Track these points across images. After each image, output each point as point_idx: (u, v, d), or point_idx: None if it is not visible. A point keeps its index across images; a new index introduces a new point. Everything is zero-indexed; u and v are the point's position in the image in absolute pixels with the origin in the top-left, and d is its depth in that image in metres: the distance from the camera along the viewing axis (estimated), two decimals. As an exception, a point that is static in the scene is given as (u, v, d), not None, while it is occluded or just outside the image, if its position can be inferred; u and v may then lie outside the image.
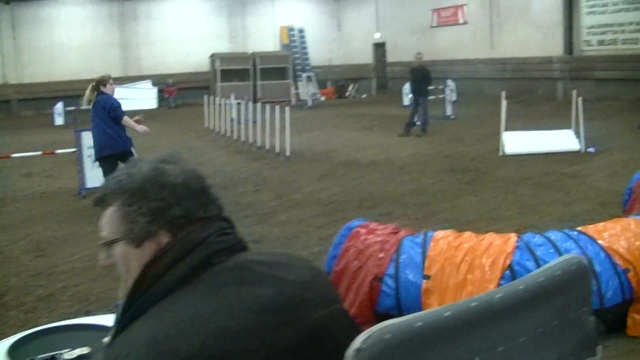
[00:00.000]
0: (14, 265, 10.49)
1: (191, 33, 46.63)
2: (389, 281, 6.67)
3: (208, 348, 1.92)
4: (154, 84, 43.44)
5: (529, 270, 6.52)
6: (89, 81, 13.98)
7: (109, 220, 2.24)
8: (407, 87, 30.96)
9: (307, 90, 42.68)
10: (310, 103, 39.77)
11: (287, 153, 19.26)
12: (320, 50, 50.11)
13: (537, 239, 7.09)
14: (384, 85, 48.36)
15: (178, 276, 2.10)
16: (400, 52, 43.86)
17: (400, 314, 6.54)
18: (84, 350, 3.57)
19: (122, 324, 2.12)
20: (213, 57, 45.68)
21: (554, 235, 7.23)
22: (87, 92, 13.64)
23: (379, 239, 6.93)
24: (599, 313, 6.64)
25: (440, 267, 6.64)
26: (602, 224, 7.63)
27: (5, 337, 3.90)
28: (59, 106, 34.11)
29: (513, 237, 7.01)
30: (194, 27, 46.88)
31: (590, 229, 7.41)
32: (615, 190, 12.78)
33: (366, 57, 49.80)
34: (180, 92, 43.53)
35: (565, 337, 2.04)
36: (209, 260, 2.14)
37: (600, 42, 32.98)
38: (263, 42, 48.71)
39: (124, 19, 46.02)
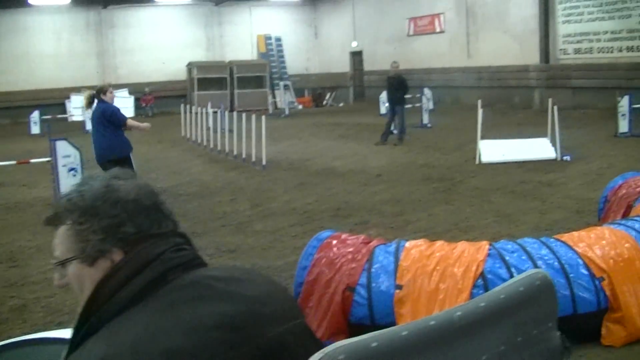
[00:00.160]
0: (-14, 276, 10.39)
1: (168, 41, 46.56)
2: (362, 291, 6.63)
3: None
4: (130, 93, 43.25)
5: (501, 278, 6.53)
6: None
7: (61, 240, 2.19)
8: (384, 95, 30.97)
9: (284, 98, 42.68)
10: (287, 112, 39.75)
11: (264, 162, 19.20)
12: (298, 58, 50.13)
13: (510, 246, 7.09)
14: (361, 93, 48.42)
15: (132, 293, 2.05)
16: (378, 61, 43.90)
17: (373, 324, 6.53)
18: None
19: (75, 342, 2.08)
20: (190, 66, 45.68)
21: (527, 242, 7.23)
22: (86, 98, 14.13)
23: (351, 249, 6.89)
24: (573, 319, 6.65)
25: (412, 276, 6.60)
26: (577, 232, 7.65)
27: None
28: (35, 115, 33.94)
29: (485, 245, 6.99)
30: (171, 35, 46.81)
31: (566, 237, 7.41)
32: (591, 199, 12.81)
33: (343, 65, 49.85)
34: (157, 101, 43.43)
35: (530, 353, 1.99)
36: (164, 277, 2.09)
37: (577, 51, 33.17)
38: (240, 51, 48.70)
39: (101, 28, 45.89)
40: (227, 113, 24.19)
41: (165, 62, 46.36)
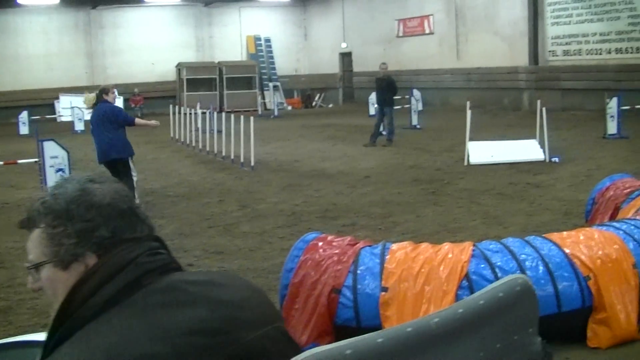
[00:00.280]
0: (-28, 277, 10.34)
1: (158, 42, 46.53)
2: (347, 293, 6.61)
3: None
4: (119, 94, 43.07)
5: (486, 279, 6.53)
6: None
7: (35, 243, 2.16)
8: (373, 97, 30.95)
9: (273, 99, 42.66)
10: (276, 113, 39.73)
11: (252, 163, 19.17)
12: (287, 59, 50.14)
13: (494, 246, 7.09)
14: (351, 95, 48.45)
15: (106, 297, 2.02)
16: (367, 62, 43.88)
17: (359, 326, 6.52)
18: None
19: (49, 347, 2.05)
20: (179, 67, 45.63)
21: (511, 241, 7.23)
22: (89, 98, 14.57)
23: (337, 250, 6.87)
24: (557, 317, 6.65)
25: (397, 278, 6.59)
26: (565, 232, 7.66)
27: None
28: (24, 115, 33.82)
29: (469, 246, 6.99)
30: (161, 36, 46.77)
31: (554, 236, 7.42)
32: (579, 200, 12.81)
33: (333, 66, 49.86)
34: (146, 102, 43.31)
35: (510, 360, 1.97)
36: (139, 281, 2.06)
37: (565, 53, 33.24)
38: (230, 52, 48.70)
39: (90, 28, 45.83)
40: (216, 114, 24.14)
41: (155, 62, 46.35)
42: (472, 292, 6.42)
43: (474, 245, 7.10)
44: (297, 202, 14.77)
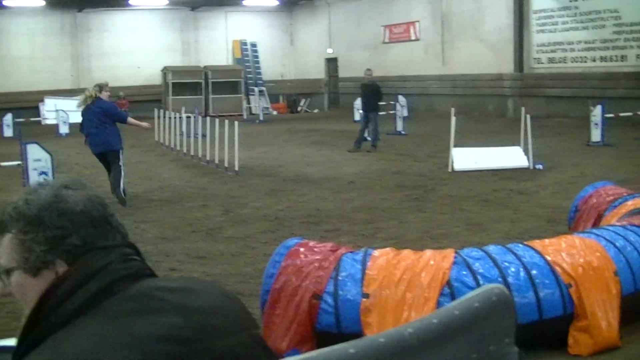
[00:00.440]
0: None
1: (143, 46, 46.44)
2: (328, 299, 6.59)
3: None
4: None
5: (467, 286, 6.53)
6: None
7: (5, 248, 2.13)
8: (358, 102, 30.98)
9: (259, 104, 42.63)
10: (262, 117, 39.69)
11: (236, 168, 19.14)
12: (273, 64, 50.12)
13: (476, 253, 7.08)
14: (336, 100, 48.46)
15: (77, 304, 2.00)
16: (353, 68, 43.83)
17: (340, 332, 6.50)
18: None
19: (19, 354, 2.03)
20: (165, 70, 45.55)
21: (493, 249, 7.23)
22: (85, 96, 15.32)
23: (318, 256, 6.85)
24: (539, 324, 6.65)
25: (378, 285, 6.58)
26: (547, 240, 7.66)
27: None
28: (8, 118, 33.68)
29: (451, 253, 6.98)
30: (147, 39, 46.69)
31: (536, 244, 7.43)
32: (563, 208, 12.81)
33: (318, 72, 49.88)
34: (132, 105, 43.09)
35: (486, 370, 1.95)
36: (111, 288, 2.04)
37: (550, 60, 33.34)
38: (215, 56, 48.65)
39: (76, 31, 45.70)
40: (201, 118, 24.09)
41: (141, 66, 46.25)
42: (453, 299, 6.41)
43: (456, 252, 7.09)
44: (281, 207, 14.74)
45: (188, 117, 25.29)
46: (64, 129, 32.57)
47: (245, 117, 40.04)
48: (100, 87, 15.44)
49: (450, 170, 18.61)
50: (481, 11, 36.26)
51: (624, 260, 7.32)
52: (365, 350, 1.65)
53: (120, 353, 1.87)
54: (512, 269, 6.85)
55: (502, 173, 17.88)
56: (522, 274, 6.81)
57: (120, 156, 15.40)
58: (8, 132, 32.84)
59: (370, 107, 24.56)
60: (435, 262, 6.79)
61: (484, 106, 35.71)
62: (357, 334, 6.24)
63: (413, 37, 41.39)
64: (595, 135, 22.92)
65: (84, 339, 1.91)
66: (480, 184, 16.73)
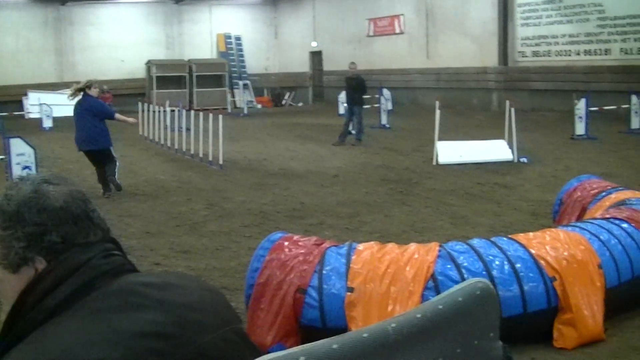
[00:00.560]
0: None
1: (127, 39, 46.24)
2: (313, 293, 6.59)
3: None
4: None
5: (452, 279, 6.54)
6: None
7: None
8: (342, 96, 30.94)
9: (243, 98, 42.56)
10: (246, 111, 39.61)
11: (221, 162, 19.09)
12: (257, 58, 50.04)
13: (460, 246, 7.10)
14: (320, 94, 48.42)
15: (58, 300, 1.98)
16: (337, 61, 43.79)
17: (324, 326, 6.49)
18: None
19: None
20: (149, 64, 45.42)
21: (477, 242, 7.23)
22: (73, 89, 15.58)
23: (302, 250, 6.84)
24: (523, 317, 6.66)
25: (363, 279, 6.57)
26: (532, 233, 7.69)
27: None
28: (-9, 112, 33.59)
29: (435, 247, 6.99)
30: (130, 33, 46.50)
31: (520, 237, 7.45)
32: (546, 201, 12.86)
33: (303, 65, 49.83)
34: (116, 99, 43.00)
35: (470, 365, 1.94)
36: (92, 284, 2.02)
37: (535, 54, 33.42)
38: (200, 50, 48.52)
39: (60, 24, 45.46)
40: (185, 112, 24.02)
41: (124, 60, 46.05)
42: (438, 292, 6.42)
43: (440, 245, 7.10)
44: (265, 201, 14.72)
45: (172, 111, 25.21)
46: (47, 123, 32.41)
47: (229, 110, 39.97)
48: (89, 84, 15.61)
49: (434, 163, 18.63)
50: (465, 4, 36.28)
51: (608, 253, 7.35)
52: (348, 346, 1.63)
53: (102, 349, 1.85)
54: (497, 263, 6.86)
55: (486, 166, 17.92)
56: (506, 267, 6.82)
57: (112, 151, 15.85)
58: (-9, 126, 32.76)
59: (355, 101, 24.54)
60: (420, 255, 6.79)
61: (468, 100, 35.75)
62: (342, 328, 6.26)
63: (397, 31, 41.39)
64: (580, 128, 23.00)
65: (65, 336, 1.89)
66: (465, 177, 16.75)
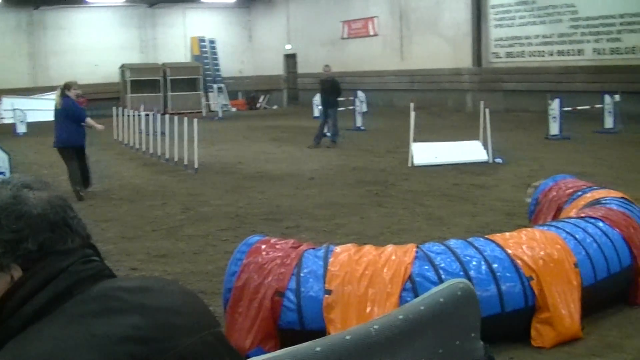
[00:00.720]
0: None
1: (101, 43, 46.08)
2: (291, 296, 6.58)
3: None
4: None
5: (430, 280, 6.56)
6: None
7: None
8: (317, 98, 30.95)
9: (217, 101, 42.50)
10: (220, 114, 39.56)
11: (196, 165, 19.04)
12: (231, 61, 49.99)
13: (437, 247, 7.11)
14: (295, 96, 48.44)
15: (37, 307, 1.96)
16: (311, 64, 43.83)
17: (303, 329, 6.49)
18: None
19: None
20: (123, 68, 45.29)
21: (454, 243, 7.25)
22: (57, 95, 16.23)
23: (280, 253, 6.83)
24: (501, 317, 6.68)
25: (341, 281, 6.57)
26: (508, 233, 7.73)
27: None
28: (-35, 117, 33.42)
29: (412, 248, 7.00)
30: (104, 37, 46.35)
31: (497, 237, 7.47)
32: (522, 201, 12.88)
33: (277, 68, 49.83)
34: (90, 104, 42.78)
35: (452, 366, 1.94)
36: (70, 290, 2.00)
37: (508, 55, 33.58)
38: (174, 53, 48.44)
39: (33, 29, 45.28)
40: (160, 116, 23.95)
41: (98, 64, 45.86)
42: (415, 293, 6.44)
43: (417, 246, 7.11)
44: (241, 204, 14.69)
45: (147, 115, 25.13)
46: (21, 128, 32.24)
47: (204, 114, 39.94)
48: (67, 85, 16.06)
49: (410, 165, 18.66)
50: (439, 6, 36.41)
51: (584, 252, 7.39)
52: (331, 348, 1.63)
53: (81, 355, 1.84)
54: (474, 263, 6.88)
55: (461, 167, 17.96)
56: (483, 267, 6.84)
57: (85, 151, 16.39)
58: (-36, 132, 32.57)
59: (330, 103, 24.56)
60: (397, 257, 6.80)
61: (442, 101, 35.86)
62: (321, 331, 6.26)
63: (372, 33, 41.48)
64: (554, 128, 23.12)
65: (45, 342, 1.87)
66: (440, 178, 16.79)
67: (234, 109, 45.53)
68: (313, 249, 7.08)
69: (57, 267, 2.02)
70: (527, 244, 7.20)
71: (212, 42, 49.30)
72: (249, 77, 50.78)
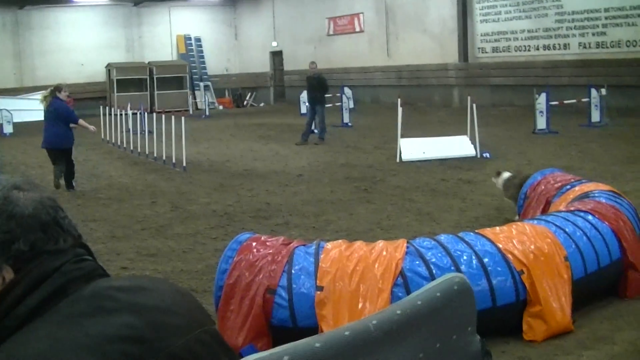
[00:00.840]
0: None
1: (87, 43, 45.96)
2: (282, 293, 6.58)
3: None
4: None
5: (421, 276, 6.57)
6: None
7: None
8: (304, 95, 30.91)
9: (204, 99, 42.47)
10: (207, 113, 39.50)
11: (184, 164, 19.01)
12: (218, 59, 49.94)
13: (427, 242, 7.12)
14: (282, 94, 48.43)
15: (31, 307, 1.96)
16: (298, 61, 43.82)
17: (295, 326, 6.49)
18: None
19: None
20: (109, 67, 45.20)
21: (444, 238, 7.27)
22: (45, 95, 16.46)
23: (270, 250, 6.82)
24: (492, 311, 6.70)
25: (332, 277, 6.57)
26: (498, 227, 7.75)
27: None
28: (-49, 118, 33.24)
29: (403, 243, 7.00)
30: (90, 36, 46.23)
31: (487, 232, 7.49)
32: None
33: (263, 65, 49.79)
34: (76, 103, 42.65)
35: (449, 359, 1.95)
36: (64, 289, 1.99)
37: (494, 49, 33.64)
38: (160, 52, 48.36)
39: (18, 29, 45.11)
40: (146, 115, 23.90)
41: (84, 63, 45.77)
42: (407, 289, 6.45)
43: (408, 242, 7.11)
44: (230, 202, 14.68)
45: (134, 114, 25.09)
46: (8, 129, 32.14)
47: (191, 112, 39.92)
48: (57, 88, 16.37)
49: (398, 161, 18.67)
50: (425, 2, 36.44)
51: (574, 245, 7.42)
52: (330, 344, 1.63)
53: (76, 354, 1.83)
54: (465, 258, 6.89)
55: (449, 163, 17.98)
56: (474, 262, 6.86)
57: (72, 153, 16.63)
58: (-49, 133, 32.45)
59: (317, 100, 24.55)
60: (388, 252, 6.80)
61: (429, 96, 35.92)
62: (312, 327, 6.26)
63: (357, 29, 41.49)
64: (541, 123, 23.16)
65: (39, 342, 1.87)
66: (429, 174, 16.81)
67: (220, 107, 45.51)
68: (304, 245, 7.08)
69: (49, 267, 2.01)
70: (518, 238, 7.22)
71: (198, 40, 49.27)
72: (235, 74, 50.71)
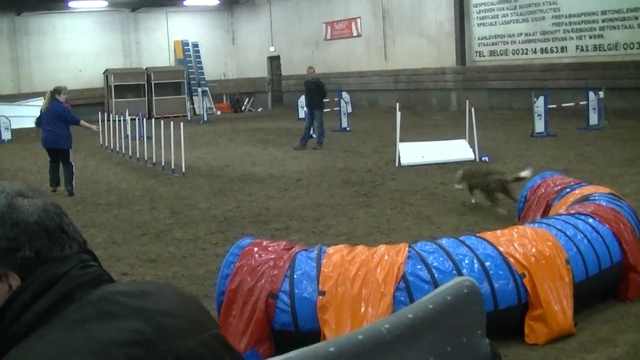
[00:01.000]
0: None
1: (84, 49, 45.95)
2: (284, 297, 6.58)
3: None
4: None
5: (423, 280, 6.57)
6: None
7: None
8: (302, 100, 30.91)
9: (202, 104, 42.44)
10: (205, 118, 39.47)
11: (183, 169, 19.01)
12: (215, 64, 49.92)
13: (429, 246, 7.13)
14: (280, 98, 48.39)
15: (38, 314, 1.96)
16: (295, 65, 43.88)
17: (297, 331, 6.49)
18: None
19: None
20: (107, 73, 45.17)
21: (446, 241, 7.27)
22: (45, 99, 17.12)
23: (272, 255, 6.83)
24: (494, 314, 6.71)
25: (334, 282, 6.58)
26: (499, 231, 7.75)
27: None
28: (-52, 125, 33.21)
29: (404, 247, 7.01)
30: (87, 42, 46.22)
31: (488, 235, 7.50)
32: (509, 198, 12.91)
33: (261, 70, 49.77)
34: (74, 109, 42.52)
35: (459, 363, 1.95)
36: (71, 295, 2.00)
37: (492, 53, 33.67)
38: (157, 57, 48.34)
39: (15, 35, 45.07)
40: (145, 120, 23.91)
41: (82, 69, 45.74)
42: (409, 293, 6.46)
43: (409, 246, 7.12)
44: (229, 207, 14.68)
45: (132, 120, 25.09)
46: (5, 135, 32.12)
47: (189, 117, 39.88)
48: (56, 90, 17.00)
49: (396, 165, 18.67)
50: (422, 5, 36.45)
51: (575, 248, 7.44)
52: (344, 348, 1.64)
53: (82, 359, 1.84)
54: (466, 261, 6.90)
55: (448, 166, 17.97)
56: (476, 265, 6.86)
57: (70, 154, 17.01)
58: (-51, 139, 32.44)
59: (315, 105, 24.56)
60: (390, 257, 6.81)
61: (427, 100, 35.93)
62: (314, 332, 6.27)
63: (355, 33, 41.47)
64: (539, 126, 23.16)
65: (47, 348, 1.88)
66: (427, 177, 16.83)
67: (218, 112, 45.50)
68: (305, 250, 7.08)
69: (55, 273, 2.02)
70: (519, 242, 7.23)
71: (195, 45, 49.26)
72: (233, 79, 50.72)
